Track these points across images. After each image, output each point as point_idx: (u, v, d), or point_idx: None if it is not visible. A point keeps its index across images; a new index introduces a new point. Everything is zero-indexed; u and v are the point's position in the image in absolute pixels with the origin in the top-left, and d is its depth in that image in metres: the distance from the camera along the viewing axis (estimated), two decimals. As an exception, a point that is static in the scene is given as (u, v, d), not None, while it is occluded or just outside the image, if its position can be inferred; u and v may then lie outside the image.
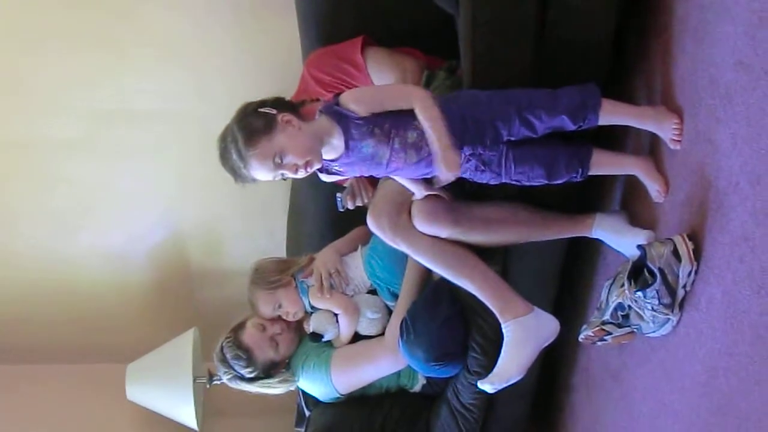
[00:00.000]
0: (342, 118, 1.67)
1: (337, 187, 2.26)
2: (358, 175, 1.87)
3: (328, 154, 1.72)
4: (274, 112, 1.69)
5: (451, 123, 1.68)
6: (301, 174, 1.68)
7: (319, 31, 2.33)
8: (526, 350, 1.86)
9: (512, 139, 1.70)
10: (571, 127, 1.68)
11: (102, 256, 3.15)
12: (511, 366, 1.85)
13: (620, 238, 1.85)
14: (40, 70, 2.78)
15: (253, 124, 1.68)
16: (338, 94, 1.70)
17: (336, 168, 1.75)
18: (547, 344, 1.90)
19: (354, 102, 1.67)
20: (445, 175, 1.66)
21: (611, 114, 1.69)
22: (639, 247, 1.64)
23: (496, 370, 1.87)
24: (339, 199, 2.20)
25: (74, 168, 2.96)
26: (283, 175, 1.69)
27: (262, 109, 1.70)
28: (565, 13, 1.74)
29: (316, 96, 2.26)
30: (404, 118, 1.69)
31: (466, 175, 1.77)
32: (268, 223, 3.06)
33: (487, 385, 1.87)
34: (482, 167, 1.74)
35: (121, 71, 2.78)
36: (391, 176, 1.83)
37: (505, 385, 1.87)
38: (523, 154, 1.72)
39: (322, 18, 2.33)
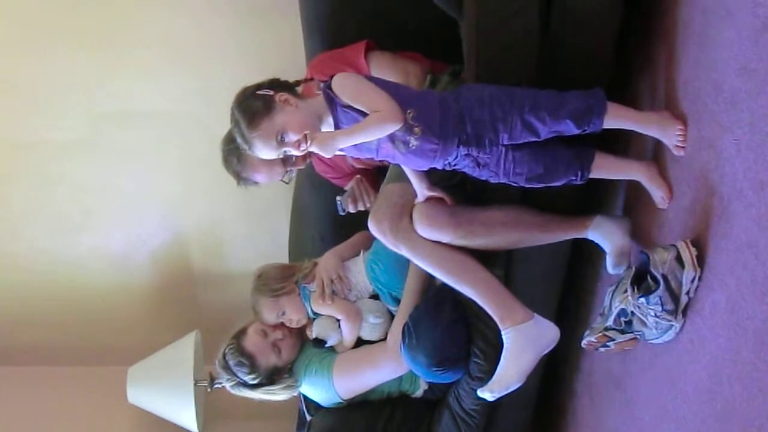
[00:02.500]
0: (331, 102, 1.69)
1: (338, 190, 2.26)
2: (354, 156, 1.86)
3: (326, 129, 1.73)
4: (272, 92, 1.72)
5: (448, 120, 1.68)
6: (303, 149, 1.69)
7: (322, 35, 2.34)
8: (526, 357, 1.85)
9: (513, 143, 1.70)
10: (574, 131, 1.68)
11: (104, 258, 3.15)
12: (510, 373, 1.85)
13: (610, 242, 1.87)
14: (42, 72, 2.78)
15: (253, 107, 1.71)
16: (332, 77, 1.71)
17: None
18: (546, 351, 1.90)
19: (337, 87, 1.68)
20: (314, 145, 1.63)
21: (615, 118, 1.68)
22: (642, 252, 1.64)
23: (495, 377, 1.87)
24: (339, 203, 2.20)
25: (76, 169, 2.97)
26: (286, 152, 1.71)
27: (259, 92, 1.73)
28: (569, 18, 1.74)
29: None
30: None
31: (466, 171, 1.77)
32: (271, 226, 3.07)
33: (486, 393, 1.87)
34: (478, 168, 1.74)
35: (123, 73, 2.79)
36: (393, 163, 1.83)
37: (504, 393, 1.86)
38: (523, 155, 1.71)
39: (325, 22, 2.33)
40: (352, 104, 1.66)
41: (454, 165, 1.76)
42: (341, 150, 1.68)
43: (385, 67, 2.20)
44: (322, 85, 1.71)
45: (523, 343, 1.86)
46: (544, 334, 1.89)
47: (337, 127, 1.70)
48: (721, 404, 1.44)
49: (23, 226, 3.08)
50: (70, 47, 2.74)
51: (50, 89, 2.82)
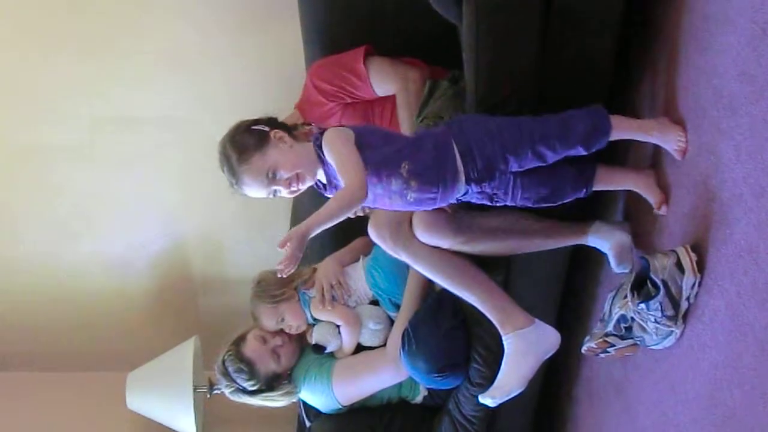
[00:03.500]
0: (321, 157, 1.67)
1: None
2: None
3: (322, 177, 1.72)
4: (267, 129, 1.70)
5: (446, 162, 1.66)
6: (294, 189, 1.68)
7: (322, 41, 2.34)
8: (527, 363, 1.85)
9: (521, 170, 1.69)
10: (584, 153, 1.67)
11: (103, 264, 3.15)
12: (511, 379, 1.85)
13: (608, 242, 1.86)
14: (43, 77, 2.78)
15: (246, 141, 1.69)
16: (323, 132, 1.69)
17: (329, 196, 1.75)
18: (547, 357, 1.89)
19: (326, 147, 1.65)
20: (291, 244, 1.52)
21: (619, 131, 1.67)
22: (642, 258, 1.63)
23: (496, 383, 1.87)
24: None
25: (76, 175, 2.97)
26: (276, 192, 1.68)
27: (255, 127, 1.71)
28: (569, 24, 1.74)
29: (319, 104, 2.27)
30: (389, 165, 1.65)
31: (473, 201, 1.76)
32: (271, 232, 3.06)
33: (488, 399, 1.86)
34: (489, 202, 1.74)
35: (123, 79, 2.79)
36: None
37: (506, 399, 1.86)
38: (531, 181, 1.71)
39: (325, 28, 2.33)
40: (335, 167, 1.64)
41: (462, 199, 1.74)
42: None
43: (384, 73, 2.20)
44: (314, 137, 1.69)
45: (524, 348, 1.86)
46: (545, 339, 1.88)
47: (328, 178, 1.69)
48: (722, 410, 1.43)
49: (23, 231, 3.08)
50: (71, 53, 2.74)
51: (51, 95, 2.82)
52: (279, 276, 1.57)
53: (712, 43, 1.50)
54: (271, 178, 1.66)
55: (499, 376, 1.87)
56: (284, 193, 1.69)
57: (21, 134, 2.89)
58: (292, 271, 1.56)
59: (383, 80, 2.21)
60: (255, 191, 1.70)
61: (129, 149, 2.92)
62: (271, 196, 1.70)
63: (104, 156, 2.93)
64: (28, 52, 2.74)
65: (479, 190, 1.70)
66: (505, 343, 1.88)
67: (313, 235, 1.56)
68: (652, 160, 1.77)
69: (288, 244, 1.52)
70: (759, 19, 1.31)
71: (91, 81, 2.79)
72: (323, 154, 1.66)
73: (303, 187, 1.69)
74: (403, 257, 1.93)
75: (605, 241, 1.86)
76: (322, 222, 1.57)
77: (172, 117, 2.86)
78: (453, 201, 1.75)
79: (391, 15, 2.28)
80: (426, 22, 2.06)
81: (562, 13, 1.73)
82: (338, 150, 1.64)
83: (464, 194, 1.72)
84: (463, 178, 1.68)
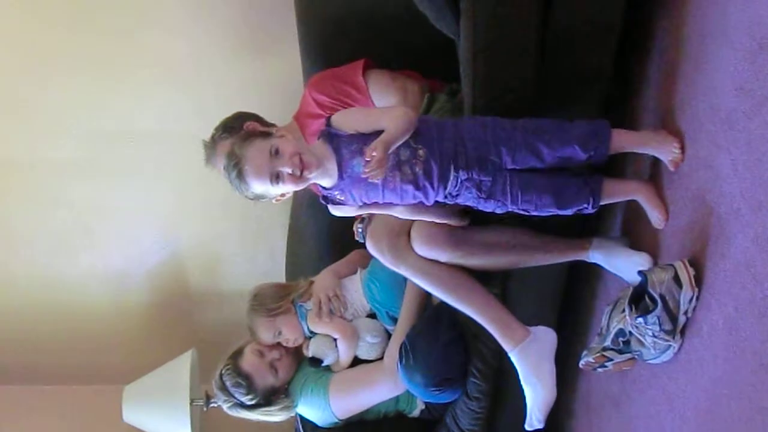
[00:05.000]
0: (332, 138, 1.68)
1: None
2: (359, 204, 1.84)
3: (324, 181, 1.71)
4: (274, 129, 1.75)
5: (443, 142, 1.66)
6: (297, 173, 1.63)
7: (319, 55, 2.35)
8: (544, 370, 1.89)
9: (516, 167, 1.68)
10: (581, 156, 1.65)
11: (101, 277, 3.14)
12: (539, 393, 1.88)
13: (617, 262, 1.84)
14: (41, 92, 2.79)
15: (251, 132, 1.74)
16: (329, 117, 1.70)
17: (337, 196, 1.73)
18: (554, 353, 1.93)
19: (341, 119, 1.68)
20: (366, 162, 1.58)
21: (618, 143, 1.67)
22: (640, 272, 1.63)
23: (530, 406, 1.90)
24: (360, 230, 2.15)
25: (74, 189, 2.97)
26: (278, 176, 1.65)
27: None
28: (566, 37, 1.75)
29: (317, 117, 2.27)
30: None
31: (470, 204, 1.74)
32: (268, 244, 3.06)
33: (534, 423, 1.90)
34: (483, 196, 1.70)
35: (121, 93, 2.79)
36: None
37: (548, 411, 1.90)
38: (529, 180, 1.68)
39: (323, 41, 2.34)
40: (361, 130, 1.65)
41: (456, 195, 1.72)
42: (344, 203, 1.70)
43: (383, 86, 2.21)
44: (320, 129, 1.71)
45: (533, 359, 1.89)
46: (545, 341, 1.92)
47: (340, 165, 1.67)
48: (720, 425, 1.43)
49: (21, 245, 3.08)
50: (70, 68, 2.74)
51: (49, 109, 2.83)
52: (367, 179, 1.61)
53: (708, 58, 1.50)
54: (274, 154, 1.64)
55: (528, 398, 1.90)
56: (287, 180, 1.64)
57: (19, 148, 2.90)
58: (381, 175, 1.60)
59: (383, 93, 2.21)
60: (257, 167, 1.66)
61: (127, 163, 2.92)
62: (274, 182, 1.66)
63: (102, 170, 2.93)
64: (26, 67, 2.75)
65: (466, 176, 1.67)
66: (513, 359, 1.89)
67: (392, 148, 1.61)
68: (650, 173, 1.77)
69: (374, 151, 1.57)
70: (756, 34, 1.31)
71: (89, 95, 2.80)
72: (340, 132, 1.66)
73: (308, 175, 1.65)
74: (402, 270, 1.93)
75: (614, 259, 1.84)
76: (394, 139, 1.61)
77: (169, 131, 2.87)
78: (447, 196, 1.72)
79: (388, 29, 2.29)
80: (424, 35, 2.06)
81: (559, 27, 1.74)
82: (357, 112, 1.72)
83: (455, 186, 1.69)
84: (452, 165, 1.67)
